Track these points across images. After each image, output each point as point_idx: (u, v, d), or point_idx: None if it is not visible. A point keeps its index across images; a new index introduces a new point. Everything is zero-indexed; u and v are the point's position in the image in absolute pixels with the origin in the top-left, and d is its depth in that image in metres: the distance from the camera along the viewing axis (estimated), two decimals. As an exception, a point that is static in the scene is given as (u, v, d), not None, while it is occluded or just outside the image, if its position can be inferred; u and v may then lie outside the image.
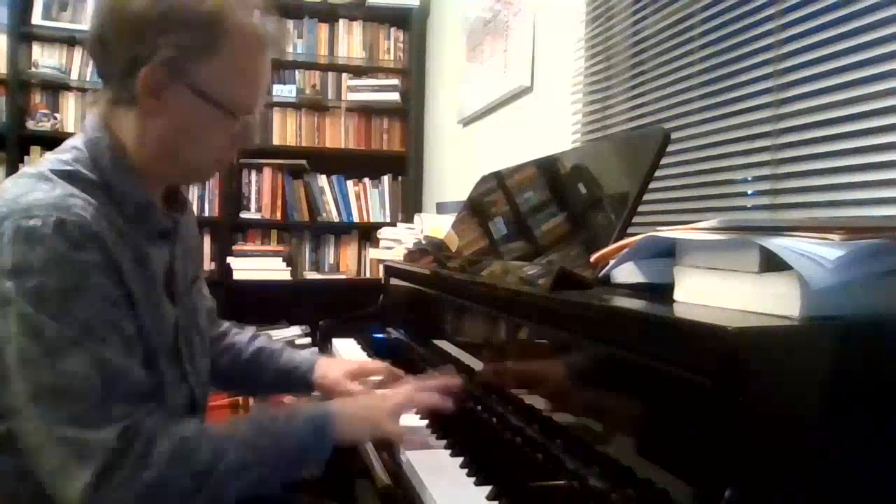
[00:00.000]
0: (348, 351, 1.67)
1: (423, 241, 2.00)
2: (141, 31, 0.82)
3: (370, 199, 3.38)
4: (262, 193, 3.25)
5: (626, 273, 0.82)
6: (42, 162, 0.85)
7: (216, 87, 0.86)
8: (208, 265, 3.19)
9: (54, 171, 0.81)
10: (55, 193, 0.78)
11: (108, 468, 0.72)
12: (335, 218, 3.33)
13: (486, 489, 0.76)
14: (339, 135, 3.37)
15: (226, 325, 1.25)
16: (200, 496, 0.77)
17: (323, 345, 1.79)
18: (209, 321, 1.14)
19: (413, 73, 3.35)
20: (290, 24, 3.31)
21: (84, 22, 3.07)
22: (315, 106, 3.33)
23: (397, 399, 0.96)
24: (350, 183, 3.37)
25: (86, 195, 0.80)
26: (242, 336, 1.23)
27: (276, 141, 3.30)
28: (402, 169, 3.39)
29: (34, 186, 0.78)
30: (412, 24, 3.36)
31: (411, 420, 1.03)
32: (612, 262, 0.81)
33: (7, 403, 0.76)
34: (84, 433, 0.73)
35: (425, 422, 1.03)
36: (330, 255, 3.41)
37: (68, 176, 0.82)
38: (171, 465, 0.75)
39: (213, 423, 0.87)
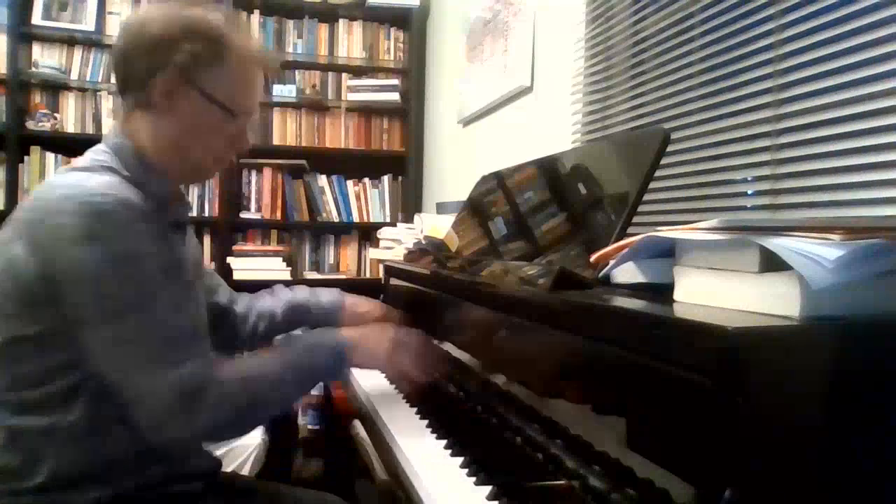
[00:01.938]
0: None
1: (423, 241, 2.00)
2: (161, 46, 0.99)
3: (370, 199, 3.39)
4: (262, 193, 3.25)
5: (626, 273, 0.82)
6: (82, 160, 1.00)
7: (221, 91, 1.03)
8: (208, 265, 3.19)
9: (100, 166, 0.97)
10: (107, 179, 0.93)
11: (187, 403, 0.88)
12: (335, 218, 3.33)
13: (486, 489, 0.76)
14: (339, 135, 3.37)
15: (245, 296, 1.39)
16: (245, 426, 1.00)
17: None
18: (228, 299, 1.35)
19: (413, 73, 3.35)
20: (290, 24, 3.31)
21: (84, 22, 3.08)
22: (315, 106, 3.33)
23: (404, 362, 1.13)
24: (350, 183, 3.37)
25: (127, 185, 0.95)
26: (266, 301, 1.39)
27: (276, 141, 3.30)
28: (402, 169, 3.39)
29: (87, 177, 0.93)
30: (412, 24, 3.36)
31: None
32: (612, 262, 0.81)
33: (44, 369, 0.91)
34: (162, 372, 0.88)
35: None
36: (330, 255, 3.41)
37: (110, 171, 0.97)
38: (219, 409, 0.91)
39: (248, 363, 1.05)
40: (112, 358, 0.89)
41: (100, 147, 1.02)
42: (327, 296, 1.42)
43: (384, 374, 1.27)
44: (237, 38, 1.04)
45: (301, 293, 1.41)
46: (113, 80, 3.07)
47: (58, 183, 0.92)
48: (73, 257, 0.87)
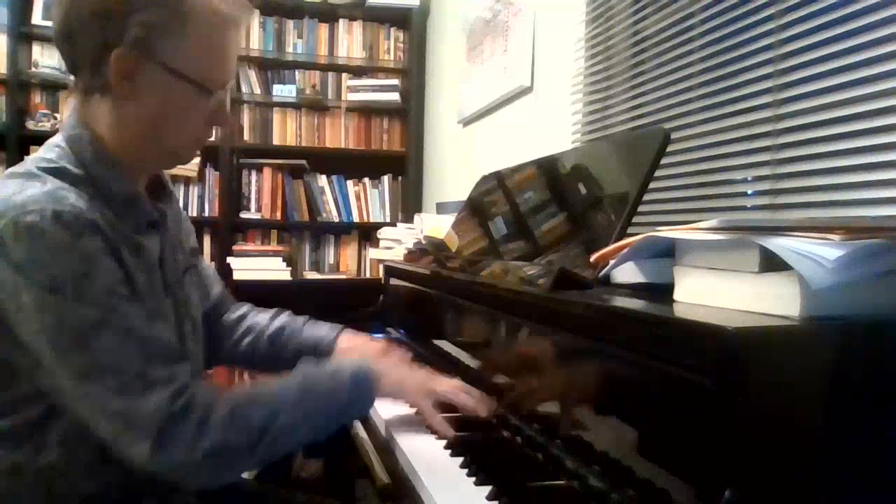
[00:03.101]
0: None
1: (423, 241, 2.00)
2: (107, 16, 0.82)
3: (370, 199, 3.39)
4: (262, 193, 3.25)
5: (626, 273, 0.82)
6: (27, 162, 0.86)
7: (188, 63, 0.86)
8: (209, 266, 3.19)
9: (41, 169, 0.82)
10: (47, 188, 0.79)
11: (167, 433, 0.76)
12: (335, 218, 3.33)
13: (486, 489, 0.76)
14: (339, 135, 3.37)
15: (245, 307, 1.26)
16: (258, 454, 0.82)
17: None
18: (223, 304, 1.20)
19: (413, 73, 3.35)
20: (290, 23, 3.31)
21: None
22: (315, 106, 3.33)
23: (442, 386, 0.99)
24: (350, 183, 3.37)
25: (76, 189, 0.81)
26: (263, 316, 1.24)
27: (276, 141, 3.30)
28: (402, 169, 3.39)
29: (24, 185, 0.79)
30: (412, 24, 3.36)
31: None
32: (612, 262, 0.81)
33: (11, 399, 0.80)
34: (132, 403, 0.76)
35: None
36: (330, 255, 3.41)
37: (55, 173, 0.83)
38: (228, 430, 0.79)
39: (263, 382, 0.91)
40: (83, 392, 0.77)
41: (53, 141, 0.88)
42: (326, 326, 1.24)
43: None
44: None
45: (300, 319, 1.25)
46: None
47: None
48: (11, 288, 0.76)
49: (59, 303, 0.75)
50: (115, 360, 0.77)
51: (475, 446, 0.90)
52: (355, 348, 1.18)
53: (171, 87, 0.86)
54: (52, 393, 0.80)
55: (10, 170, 0.86)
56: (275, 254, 3.17)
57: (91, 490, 0.85)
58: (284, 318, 1.24)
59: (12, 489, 0.82)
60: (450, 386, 0.99)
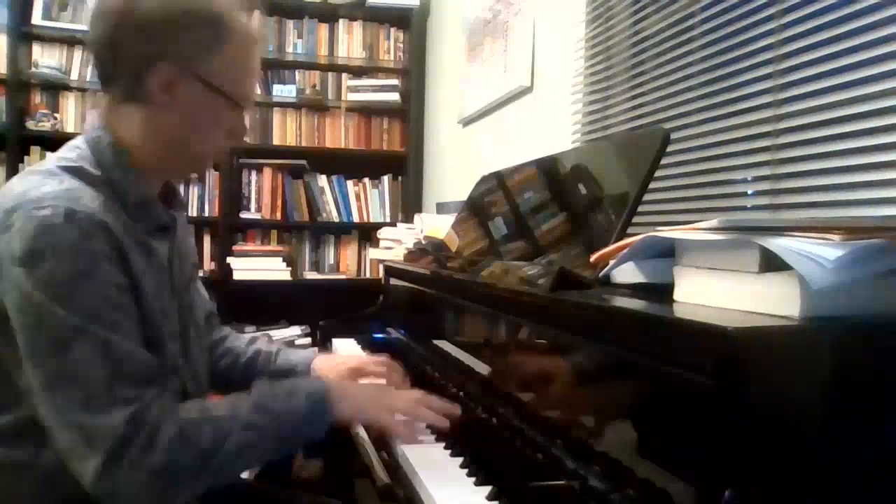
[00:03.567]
0: (348, 351, 1.67)
1: (423, 241, 2.00)
2: (156, 32, 0.86)
3: (370, 199, 3.39)
4: (262, 193, 3.25)
5: (626, 273, 0.82)
6: (47, 161, 0.88)
7: (223, 79, 0.91)
8: (208, 265, 3.19)
9: (61, 168, 0.85)
10: (64, 187, 0.81)
11: (117, 452, 0.75)
12: (335, 218, 3.33)
13: (486, 489, 0.76)
14: (339, 135, 3.37)
15: (226, 329, 1.27)
16: (206, 475, 0.81)
17: (323, 345, 1.79)
18: (209, 325, 1.17)
19: (413, 73, 3.35)
20: (290, 24, 3.31)
21: (84, 22, 3.07)
22: (315, 106, 3.33)
23: (401, 401, 0.97)
24: (350, 183, 3.37)
25: (92, 190, 0.83)
26: (241, 340, 1.25)
27: (276, 141, 3.30)
28: (402, 169, 3.39)
29: (42, 182, 0.82)
30: (412, 24, 3.36)
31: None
32: (612, 262, 0.81)
33: (13, 392, 0.81)
34: (93, 418, 0.76)
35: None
36: (330, 255, 3.41)
37: (74, 172, 0.85)
38: (176, 450, 0.78)
39: (215, 402, 0.89)
40: (49, 396, 0.76)
41: (74, 142, 0.91)
42: (301, 352, 1.25)
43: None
44: (238, 19, 0.91)
45: (275, 346, 1.25)
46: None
47: (10, 189, 0.82)
48: (13, 280, 0.77)
49: (49, 301, 0.76)
50: (86, 371, 0.76)
51: (475, 446, 0.90)
52: (331, 369, 1.19)
53: (206, 100, 0.91)
54: (25, 392, 0.80)
55: (31, 167, 0.89)
56: (275, 254, 3.17)
57: (83, 489, 0.82)
58: (260, 343, 1.25)
59: (15, 486, 0.83)
60: (409, 400, 0.97)
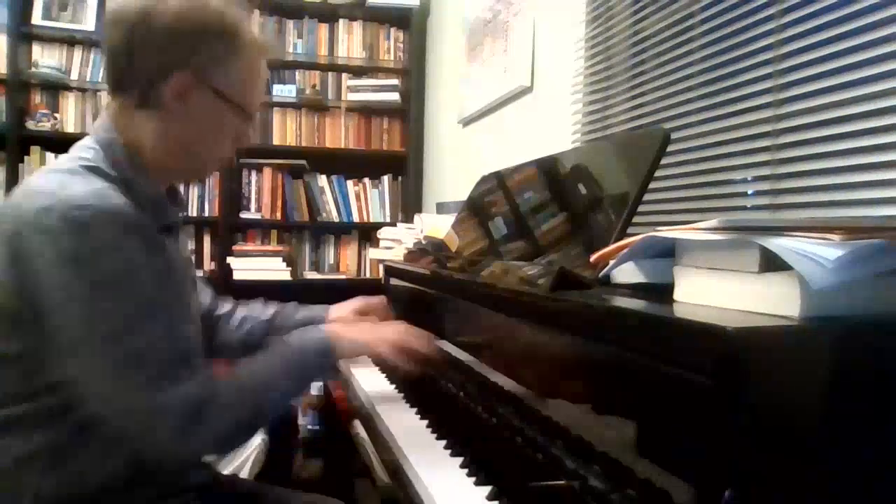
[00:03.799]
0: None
1: (423, 241, 2.00)
2: (175, 42, 0.90)
3: (370, 199, 3.39)
4: (262, 193, 3.25)
5: (626, 273, 0.82)
6: (64, 160, 0.91)
7: (234, 89, 0.96)
8: (208, 265, 3.19)
9: (83, 168, 0.88)
10: (92, 186, 0.84)
11: (189, 421, 0.83)
12: (335, 218, 3.33)
13: (486, 489, 0.76)
14: (339, 135, 3.37)
15: (231, 301, 1.36)
16: (255, 426, 0.95)
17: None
18: (213, 302, 1.31)
19: (413, 73, 3.35)
20: (290, 24, 3.31)
21: (84, 22, 3.07)
22: (315, 106, 3.33)
23: (390, 334, 1.11)
24: (350, 183, 3.37)
25: (114, 189, 0.87)
26: (253, 305, 1.36)
27: (276, 141, 3.30)
28: (402, 169, 3.39)
29: (69, 180, 0.84)
30: (412, 24, 3.36)
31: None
32: (612, 262, 0.81)
33: (48, 382, 0.85)
34: (162, 395, 0.82)
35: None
36: (330, 255, 3.41)
37: (96, 172, 0.88)
38: (238, 410, 0.89)
39: (247, 367, 1.00)
40: (107, 386, 0.82)
41: (85, 143, 0.93)
42: (314, 309, 1.40)
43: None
44: (249, 31, 0.96)
45: (289, 303, 1.39)
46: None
47: (37, 188, 0.83)
48: (57, 281, 0.80)
49: (104, 297, 0.80)
50: (151, 353, 0.82)
51: (475, 446, 0.90)
52: (341, 315, 1.35)
53: (216, 109, 0.96)
54: (71, 383, 0.84)
55: (48, 167, 0.93)
56: (275, 254, 3.17)
57: (99, 479, 0.89)
58: (273, 304, 1.37)
59: (29, 473, 0.86)
60: (397, 332, 1.12)
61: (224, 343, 1.29)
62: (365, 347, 1.09)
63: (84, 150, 0.92)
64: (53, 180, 0.84)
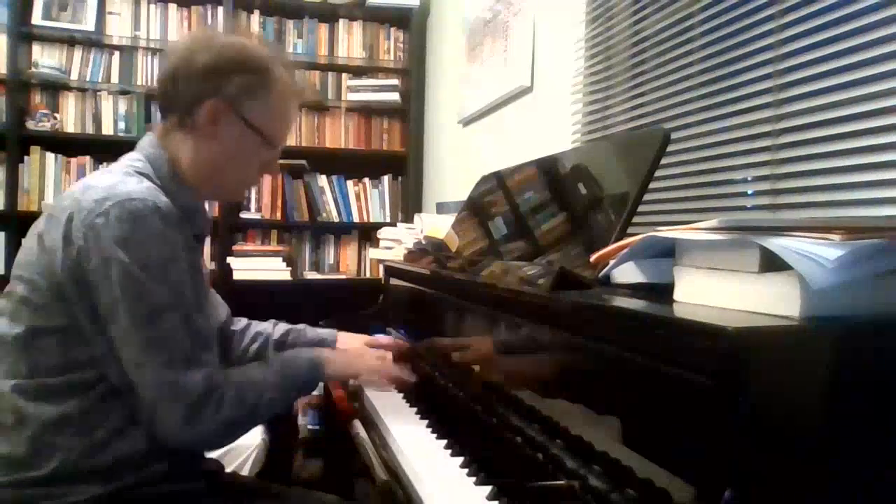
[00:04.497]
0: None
1: (423, 241, 2.00)
2: (212, 74, 1.04)
3: (370, 199, 3.38)
4: (262, 193, 3.25)
5: (626, 273, 0.82)
6: (116, 167, 1.05)
7: (262, 120, 1.08)
8: (208, 265, 3.19)
9: (135, 171, 1.02)
10: (144, 185, 0.98)
11: (197, 406, 0.94)
12: (335, 218, 3.33)
13: (486, 489, 0.76)
14: (339, 135, 3.37)
15: (244, 319, 1.45)
16: (251, 423, 1.04)
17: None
18: (228, 319, 1.40)
19: (413, 73, 3.35)
20: (290, 24, 3.30)
21: (84, 22, 3.07)
22: (315, 106, 3.33)
23: (371, 361, 1.23)
24: (350, 183, 3.36)
25: (160, 192, 0.99)
26: (265, 324, 1.45)
27: (276, 141, 3.30)
28: (402, 169, 3.39)
29: (125, 179, 0.98)
30: (412, 24, 3.36)
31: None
32: (612, 262, 0.81)
33: (81, 356, 0.95)
34: (178, 375, 0.93)
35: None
36: (330, 255, 3.41)
37: (145, 177, 1.02)
38: (235, 405, 0.98)
39: (248, 369, 1.11)
40: (142, 357, 0.93)
41: (134, 154, 1.07)
42: (325, 330, 1.46)
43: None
44: (281, 72, 1.09)
45: (299, 324, 1.47)
46: (113, 80, 3.10)
47: (95, 184, 0.96)
48: (109, 260, 0.91)
49: (146, 279, 0.92)
50: (175, 337, 0.93)
51: (475, 446, 0.90)
52: (345, 344, 1.40)
53: (245, 136, 1.08)
54: (105, 354, 0.95)
55: (104, 169, 1.09)
56: (275, 254, 3.16)
57: (119, 450, 0.96)
58: (283, 324, 1.45)
59: (55, 437, 0.94)
60: (379, 356, 1.24)
61: (237, 359, 1.37)
62: (347, 368, 1.22)
63: (133, 161, 1.05)
64: (109, 179, 0.97)
